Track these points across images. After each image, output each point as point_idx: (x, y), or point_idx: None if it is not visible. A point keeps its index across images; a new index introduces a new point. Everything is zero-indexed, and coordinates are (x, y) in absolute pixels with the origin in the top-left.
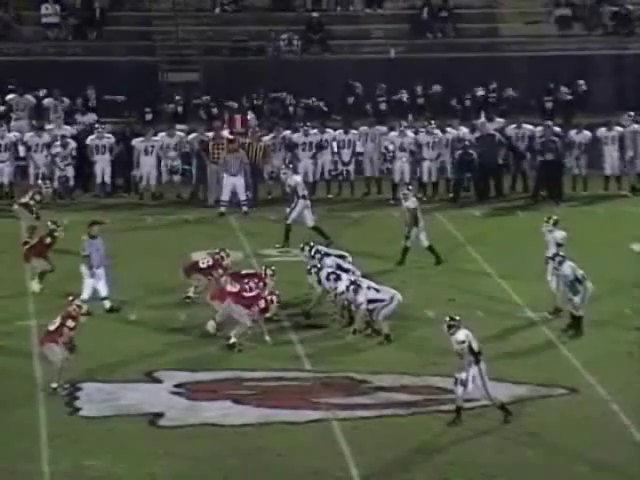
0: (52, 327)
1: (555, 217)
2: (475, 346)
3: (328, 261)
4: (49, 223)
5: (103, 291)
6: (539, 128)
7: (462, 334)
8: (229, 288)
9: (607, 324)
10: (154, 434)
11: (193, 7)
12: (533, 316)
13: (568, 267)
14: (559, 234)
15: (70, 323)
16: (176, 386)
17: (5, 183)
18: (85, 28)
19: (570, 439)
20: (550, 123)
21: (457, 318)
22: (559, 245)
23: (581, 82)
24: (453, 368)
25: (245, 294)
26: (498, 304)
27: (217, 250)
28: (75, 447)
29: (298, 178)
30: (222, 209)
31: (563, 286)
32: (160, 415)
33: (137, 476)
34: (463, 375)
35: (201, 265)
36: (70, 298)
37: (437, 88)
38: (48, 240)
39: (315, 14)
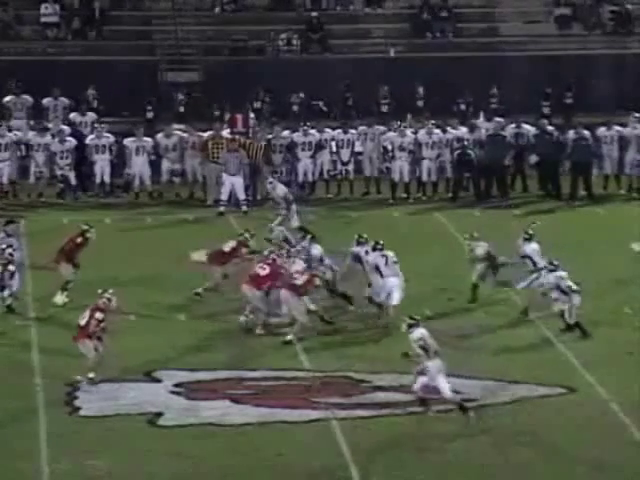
0: (82, 322)
1: (531, 231)
2: (430, 345)
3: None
4: (82, 224)
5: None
6: (571, 131)
7: (418, 333)
8: (263, 272)
9: (607, 324)
10: (153, 433)
11: (193, 7)
12: (532, 316)
13: (554, 277)
14: (529, 247)
15: (98, 315)
16: (175, 385)
17: (5, 183)
18: (85, 28)
19: (570, 439)
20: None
21: (417, 318)
22: (523, 257)
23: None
24: (452, 368)
25: (296, 282)
26: (497, 303)
27: (241, 232)
28: (75, 446)
29: (284, 187)
30: (221, 209)
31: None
32: (159, 414)
33: (136, 475)
34: (419, 368)
35: (225, 249)
36: (99, 291)
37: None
38: (79, 240)
39: (315, 13)
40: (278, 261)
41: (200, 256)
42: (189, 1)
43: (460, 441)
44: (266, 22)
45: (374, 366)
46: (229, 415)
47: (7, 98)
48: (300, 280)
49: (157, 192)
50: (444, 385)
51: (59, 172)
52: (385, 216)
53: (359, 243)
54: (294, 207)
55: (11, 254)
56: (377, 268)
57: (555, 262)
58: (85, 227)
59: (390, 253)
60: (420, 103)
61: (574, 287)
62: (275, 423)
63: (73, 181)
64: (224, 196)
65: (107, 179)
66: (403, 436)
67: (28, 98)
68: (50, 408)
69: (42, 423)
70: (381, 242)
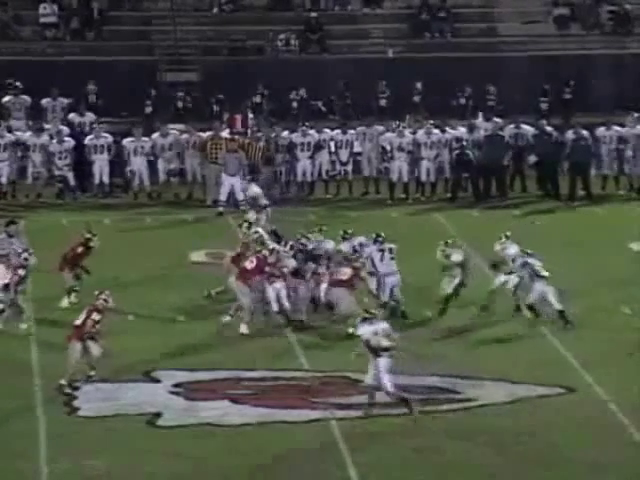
0: (78, 322)
1: (508, 233)
2: (375, 342)
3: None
4: (85, 232)
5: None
6: (570, 131)
7: (361, 329)
8: (250, 266)
9: (606, 324)
10: (153, 434)
11: (191, 7)
12: (532, 316)
13: (522, 262)
14: (512, 250)
15: (95, 316)
16: (174, 386)
17: (4, 183)
18: (84, 28)
19: (570, 439)
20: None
21: (373, 312)
22: (514, 260)
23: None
24: (453, 368)
25: (342, 277)
26: (496, 304)
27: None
28: (74, 447)
29: (257, 189)
30: (220, 209)
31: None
32: (158, 415)
33: (136, 475)
34: (371, 367)
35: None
36: (96, 292)
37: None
38: (80, 250)
39: (313, 14)
40: (270, 259)
41: (200, 257)
42: (188, 1)
43: (460, 441)
44: (265, 22)
45: None
46: (228, 415)
47: (6, 98)
48: (346, 275)
49: (156, 192)
50: (387, 380)
51: (58, 172)
52: (384, 216)
53: (344, 239)
54: (269, 211)
55: (26, 259)
56: (372, 262)
57: (529, 251)
58: (88, 235)
59: (390, 246)
60: (417, 99)
61: (540, 273)
62: (275, 423)
63: (72, 181)
64: (223, 196)
65: (106, 179)
66: (402, 436)
67: (27, 98)
68: (49, 408)
69: (41, 423)
70: (382, 234)
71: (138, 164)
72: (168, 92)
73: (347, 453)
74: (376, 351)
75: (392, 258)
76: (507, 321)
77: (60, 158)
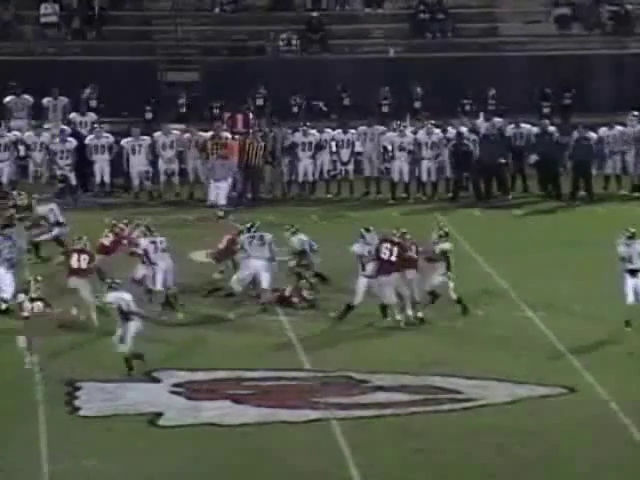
0: (26, 313)
1: (633, 230)
2: (125, 307)
3: None
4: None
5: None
6: (575, 131)
7: (110, 297)
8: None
9: (607, 324)
10: (153, 434)
11: (192, 7)
12: (532, 315)
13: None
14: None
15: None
16: (175, 386)
17: (5, 183)
18: (84, 28)
19: (570, 439)
20: (580, 125)
21: (118, 282)
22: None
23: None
24: (454, 368)
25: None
26: (497, 303)
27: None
28: (74, 447)
29: (53, 205)
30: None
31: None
32: (159, 415)
33: (136, 476)
34: (119, 331)
35: (221, 246)
36: (30, 280)
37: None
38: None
39: (315, 14)
40: (125, 231)
41: (200, 257)
42: (189, 1)
43: (460, 441)
44: (266, 22)
45: (374, 366)
46: (229, 415)
47: (7, 98)
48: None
49: (157, 192)
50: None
51: (59, 172)
52: (385, 216)
53: (249, 230)
54: (59, 230)
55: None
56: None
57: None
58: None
59: (261, 234)
60: (417, 104)
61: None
62: (275, 423)
63: (73, 181)
64: (222, 200)
65: (107, 179)
66: (403, 436)
67: (29, 98)
68: (50, 408)
69: (42, 423)
70: (256, 224)
71: (137, 164)
72: (169, 92)
73: (347, 453)
74: (127, 315)
75: (263, 244)
76: (507, 320)
77: (62, 157)
